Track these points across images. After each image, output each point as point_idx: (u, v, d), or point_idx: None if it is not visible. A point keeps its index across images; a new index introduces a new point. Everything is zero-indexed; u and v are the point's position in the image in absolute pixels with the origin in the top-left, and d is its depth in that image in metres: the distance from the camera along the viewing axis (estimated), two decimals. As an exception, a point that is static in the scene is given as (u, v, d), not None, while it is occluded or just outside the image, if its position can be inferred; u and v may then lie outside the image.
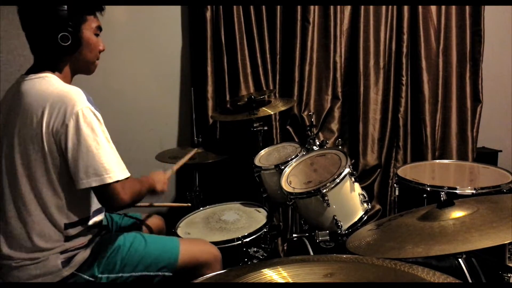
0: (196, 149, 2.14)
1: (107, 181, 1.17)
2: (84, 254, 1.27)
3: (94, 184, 1.17)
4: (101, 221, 1.37)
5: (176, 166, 1.75)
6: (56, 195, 1.21)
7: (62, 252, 1.23)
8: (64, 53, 1.26)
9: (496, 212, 1.08)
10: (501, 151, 2.92)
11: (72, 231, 1.25)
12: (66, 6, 1.22)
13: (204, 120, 2.53)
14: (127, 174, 1.23)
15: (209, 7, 2.44)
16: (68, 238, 1.24)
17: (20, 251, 1.21)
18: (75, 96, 1.18)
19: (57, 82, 1.24)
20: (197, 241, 1.51)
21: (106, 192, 1.20)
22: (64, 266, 1.23)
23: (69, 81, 1.32)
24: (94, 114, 1.19)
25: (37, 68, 1.27)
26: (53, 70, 1.27)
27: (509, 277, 1.37)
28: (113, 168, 1.19)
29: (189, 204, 1.91)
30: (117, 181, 1.19)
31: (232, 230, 1.73)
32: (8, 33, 2.28)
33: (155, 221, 1.76)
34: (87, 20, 1.29)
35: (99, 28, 1.34)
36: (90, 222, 1.31)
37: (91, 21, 1.31)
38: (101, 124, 1.21)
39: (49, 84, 1.22)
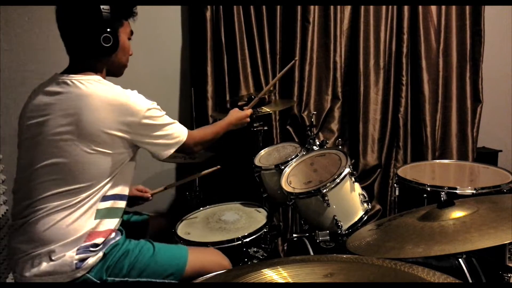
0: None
1: (179, 145, 1.44)
2: (97, 257, 1.27)
3: (172, 151, 1.43)
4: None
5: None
6: (94, 190, 1.28)
7: (77, 252, 1.23)
8: (103, 54, 1.32)
9: (496, 212, 1.08)
10: (501, 151, 2.92)
11: (97, 226, 1.28)
12: (109, 9, 1.27)
13: (204, 120, 2.52)
14: (185, 131, 1.48)
15: (209, 7, 2.44)
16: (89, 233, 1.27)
17: (47, 244, 1.22)
18: (137, 100, 1.33)
19: (109, 84, 1.31)
20: (207, 251, 1.51)
21: (182, 149, 1.47)
22: (77, 267, 1.23)
23: None
24: (150, 107, 1.34)
25: (78, 69, 1.30)
26: (94, 72, 1.32)
27: (509, 277, 1.37)
28: (176, 133, 1.43)
29: (218, 167, 1.95)
30: (184, 139, 1.44)
31: (232, 230, 1.73)
32: (7, 35, 2.29)
33: (161, 222, 1.78)
34: (123, 24, 1.36)
35: (132, 33, 1.43)
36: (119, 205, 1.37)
37: (126, 26, 1.39)
38: (157, 110, 1.38)
39: (102, 85, 1.28)
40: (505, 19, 3.00)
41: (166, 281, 1.33)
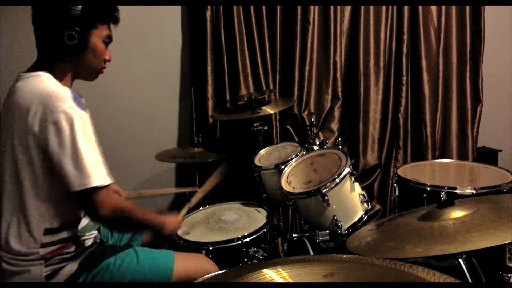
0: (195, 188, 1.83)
1: (86, 186, 1.12)
2: (71, 268, 1.23)
3: (77, 189, 1.12)
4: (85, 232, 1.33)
5: (185, 209, 1.60)
6: (39, 199, 1.18)
7: (46, 262, 1.19)
8: (68, 52, 1.25)
9: (496, 212, 1.08)
10: (501, 151, 2.92)
11: (52, 238, 1.21)
12: (80, 7, 1.22)
13: (204, 120, 2.53)
14: (107, 182, 1.17)
15: (209, 7, 2.44)
16: (45, 245, 1.20)
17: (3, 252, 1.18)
18: (59, 96, 1.15)
19: (48, 81, 1.20)
20: (194, 258, 1.46)
21: (84, 199, 1.15)
22: (48, 279, 1.19)
23: (67, 83, 1.28)
24: (79, 116, 1.15)
25: (36, 66, 1.26)
26: (51, 70, 1.24)
27: (509, 277, 1.37)
28: (92, 173, 1.13)
29: (196, 188, 1.73)
30: (97, 188, 1.14)
31: (232, 230, 1.73)
32: (7, 34, 2.29)
33: None
34: (98, 26, 1.28)
35: (109, 38, 1.33)
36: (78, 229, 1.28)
37: (103, 29, 1.30)
38: (84, 126, 1.15)
39: (39, 83, 1.19)
40: (505, 19, 3.00)
41: None
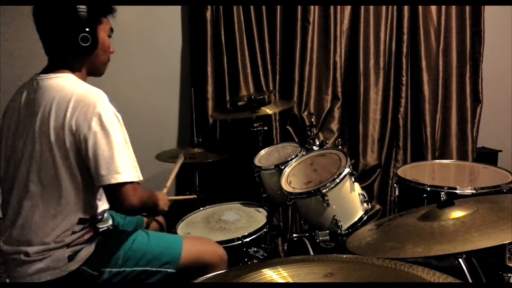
0: (181, 156, 1.97)
1: (118, 180, 1.19)
2: (89, 249, 1.28)
3: (112, 182, 1.19)
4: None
5: (169, 182, 1.74)
6: (78, 190, 1.24)
7: (68, 246, 1.24)
8: (83, 53, 1.30)
9: (496, 212, 1.08)
10: (501, 151, 2.92)
11: (82, 226, 1.27)
12: (86, 8, 1.26)
13: (204, 120, 2.53)
14: (139, 178, 1.25)
15: (209, 7, 2.44)
16: (74, 232, 1.25)
17: (31, 244, 1.22)
18: (98, 96, 1.23)
19: (80, 82, 1.28)
20: (202, 240, 1.52)
21: (117, 192, 1.21)
22: (70, 260, 1.24)
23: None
24: (115, 115, 1.23)
25: (54, 68, 1.29)
26: (72, 71, 1.30)
27: (509, 277, 1.37)
28: (127, 168, 1.21)
29: (195, 196, 1.94)
30: (129, 183, 1.21)
31: (232, 230, 1.73)
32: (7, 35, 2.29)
33: (160, 221, 1.77)
34: (102, 22, 1.34)
35: (111, 30, 1.39)
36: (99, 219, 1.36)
37: (106, 24, 1.36)
38: (121, 126, 1.24)
39: (72, 82, 1.26)
40: (505, 19, 3.00)
41: (163, 269, 1.34)
